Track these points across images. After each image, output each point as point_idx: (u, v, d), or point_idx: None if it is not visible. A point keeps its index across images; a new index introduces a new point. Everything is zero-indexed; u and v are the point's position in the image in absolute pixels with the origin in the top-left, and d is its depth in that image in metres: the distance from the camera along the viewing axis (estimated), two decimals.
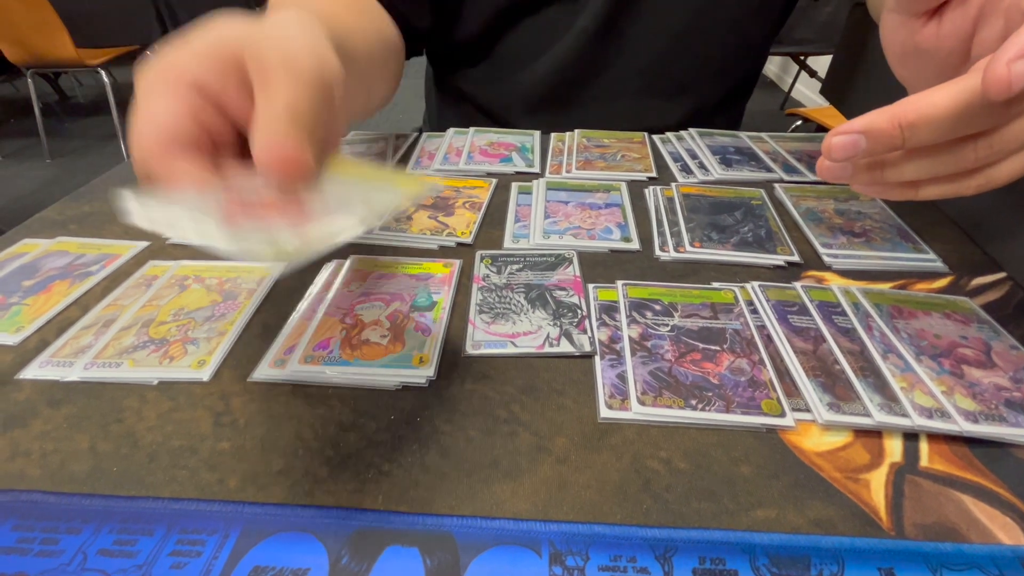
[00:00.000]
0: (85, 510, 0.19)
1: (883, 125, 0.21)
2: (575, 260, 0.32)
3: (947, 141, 0.21)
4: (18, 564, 0.17)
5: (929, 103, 0.20)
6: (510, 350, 0.26)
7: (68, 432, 0.22)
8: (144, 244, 0.34)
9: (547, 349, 0.26)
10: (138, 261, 0.33)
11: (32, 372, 0.25)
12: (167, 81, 0.18)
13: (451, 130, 0.50)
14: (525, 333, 0.27)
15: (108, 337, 0.27)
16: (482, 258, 0.32)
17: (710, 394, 0.23)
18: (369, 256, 0.33)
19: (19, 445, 0.22)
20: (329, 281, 0.31)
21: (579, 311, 0.28)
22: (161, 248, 0.34)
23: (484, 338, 0.26)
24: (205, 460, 0.21)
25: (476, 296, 0.29)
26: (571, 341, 0.26)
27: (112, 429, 0.22)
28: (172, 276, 0.31)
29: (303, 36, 0.20)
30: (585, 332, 0.27)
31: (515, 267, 0.32)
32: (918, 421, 0.22)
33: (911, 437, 0.22)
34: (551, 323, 0.27)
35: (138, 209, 0.17)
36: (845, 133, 0.21)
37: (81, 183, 0.39)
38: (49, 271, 0.32)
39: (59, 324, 0.28)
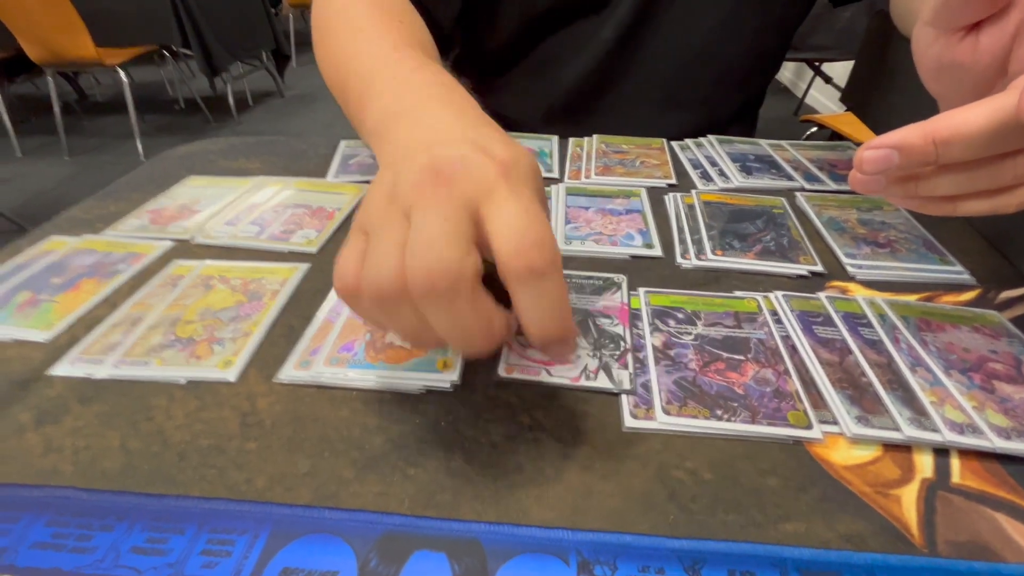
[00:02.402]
0: (118, 507, 0.19)
1: (916, 141, 0.20)
2: (624, 286, 0.30)
3: (985, 157, 0.21)
4: (53, 559, 0.18)
5: (964, 120, 0.20)
6: (544, 378, 0.25)
7: (99, 429, 0.23)
8: (169, 244, 0.35)
9: (583, 382, 0.24)
10: (164, 260, 0.33)
11: (63, 369, 0.25)
12: None
13: None
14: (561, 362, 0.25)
15: (136, 335, 0.27)
16: None
17: (735, 404, 0.23)
18: None
19: (52, 441, 0.22)
20: None
21: (622, 343, 0.26)
22: (186, 248, 0.35)
23: (518, 362, 0.25)
24: (233, 460, 0.21)
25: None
26: (610, 376, 0.25)
27: (142, 427, 0.23)
28: (197, 276, 0.32)
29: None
30: (626, 368, 0.25)
31: None
32: (949, 436, 0.21)
33: (942, 453, 0.22)
34: (590, 353, 0.26)
35: None
36: (877, 148, 0.21)
37: (99, 180, 0.40)
38: (78, 269, 0.32)
39: (88, 322, 0.28)
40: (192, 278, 0.31)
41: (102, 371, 0.25)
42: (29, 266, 0.33)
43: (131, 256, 0.34)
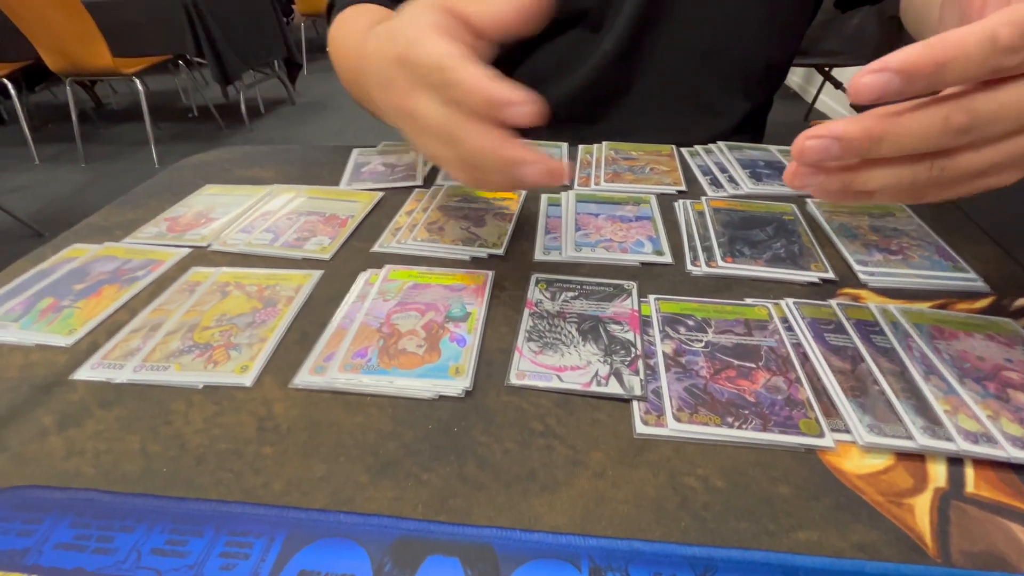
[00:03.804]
0: (138, 509, 0.20)
1: (855, 134, 0.20)
2: (634, 292, 0.31)
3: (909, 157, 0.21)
4: (77, 560, 0.18)
5: (897, 119, 0.20)
6: (555, 384, 0.25)
7: (120, 433, 0.23)
8: (186, 251, 0.36)
9: (594, 388, 0.24)
10: (182, 267, 0.34)
11: (85, 373, 0.26)
12: None
13: None
14: (572, 368, 0.25)
15: (155, 341, 0.28)
16: (537, 282, 0.32)
17: (746, 412, 0.23)
18: (403, 266, 0.33)
19: (74, 444, 0.23)
20: (365, 290, 0.31)
21: (633, 349, 0.26)
22: (203, 255, 0.35)
23: (530, 368, 0.26)
24: (250, 464, 0.22)
25: (527, 322, 0.28)
26: (621, 382, 0.25)
27: (161, 431, 0.23)
28: (214, 282, 0.32)
29: None
30: (637, 373, 0.25)
31: (570, 294, 0.31)
32: (963, 446, 0.21)
33: (955, 462, 0.21)
34: (601, 359, 0.26)
35: None
36: (819, 137, 0.21)
37: (114, 186, 0.41)
38: (99, 275, 0.33)
39: (109, 327, 0.29)
40: (209, 284, 0.32)
41: (122, 376, 0.26)
42: (52, 272, 0.33)
43: (150, 263, 0.34)
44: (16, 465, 0.22)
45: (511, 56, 0.54)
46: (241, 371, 0.26)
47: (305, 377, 0.25)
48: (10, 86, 2.32)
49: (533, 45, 0.53)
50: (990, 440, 0.21)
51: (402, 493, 0.20)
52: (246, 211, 0.40)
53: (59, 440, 0.23)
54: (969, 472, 0.21)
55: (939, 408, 0.23)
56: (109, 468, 0.22)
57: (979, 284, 0.31)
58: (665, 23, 0.50)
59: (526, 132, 0.57)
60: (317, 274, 0.33)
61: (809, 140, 0.21)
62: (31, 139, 2.43)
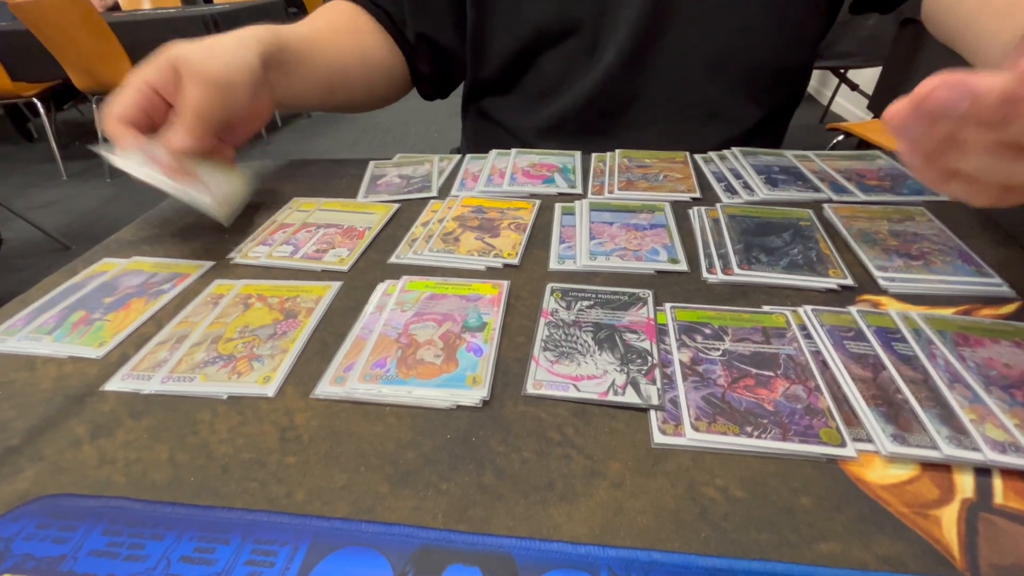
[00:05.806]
0: (168, 517, 0.20)
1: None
2: (650, 301, 0.31)
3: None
4: (109, 567, 0.19)
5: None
6: (572, 394, 0.25)
7: (149, 442, 0.24)
8: (210, 264, 0.37)
9: (611, 397, 0.24)
10: (205, 280, 0.35)
11: (115, 384, 0.27)
12: (132, 82, 0.37)
13: (493, 152, 0.51)
14: (589, 377, 0.26)
15: (181, 352, 0.29)
16: (552, 291, 0.32)
17: (765, 421, 0.23)
18: (420, 277, 0.34)
19: (106, 454, 0.23)
20: (383, 301, 0.32)
21: (649, 358, 0.26)
22: (226, 268, 0.36)
23: (546, 378, 0.26)
24: (273, 473, 0.22)
25: (543, 331, 0.29)
26: (638, 391, 0.25)
27: (188, 441, 0.24)
28: (237, 295, 0.33)
29: (224, 49, 0.38)
30: (654, 383, 0.25)
31: (586, 303, 0.31)
32: (990, 456, 0.21)
33: (983, 472, 0.21)
34: (618, 368, 0.26)
35: (116, 159, 0.35)
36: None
37: (137, 200, 0.42)
38: (127, 289, 0.34)
39: (137, 339, 0.30)
40: (231, 297, 0.33)
41: (150, 387, 0.27)
42: (83, 287, 0.35)
43: (175, 276, 0.35)
44: (51, 474, 0.23)
45: (512, 69, 0.55)
46: (264, 382, 0.27)
47: (326, 388, 0.26)
48: (39, 105, 2.40)
49: (530, 59, 0.54)
50: (1019, 450, 0.21)
51: (422, 503, 0.21)
52: (267, 224, 0.41)
53: (91, 449, 0.24)
54: (997, 483, 0.21)
55: (965, 417, 0.22)
56: (139, 477, 0.22)
57: (1004, 289, 0.31)
58: (667, 32, 0.50)
59: (536, 142, 0.58)
60: (336, 285, 0.34)
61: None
62: (59, 156, 2.51)
